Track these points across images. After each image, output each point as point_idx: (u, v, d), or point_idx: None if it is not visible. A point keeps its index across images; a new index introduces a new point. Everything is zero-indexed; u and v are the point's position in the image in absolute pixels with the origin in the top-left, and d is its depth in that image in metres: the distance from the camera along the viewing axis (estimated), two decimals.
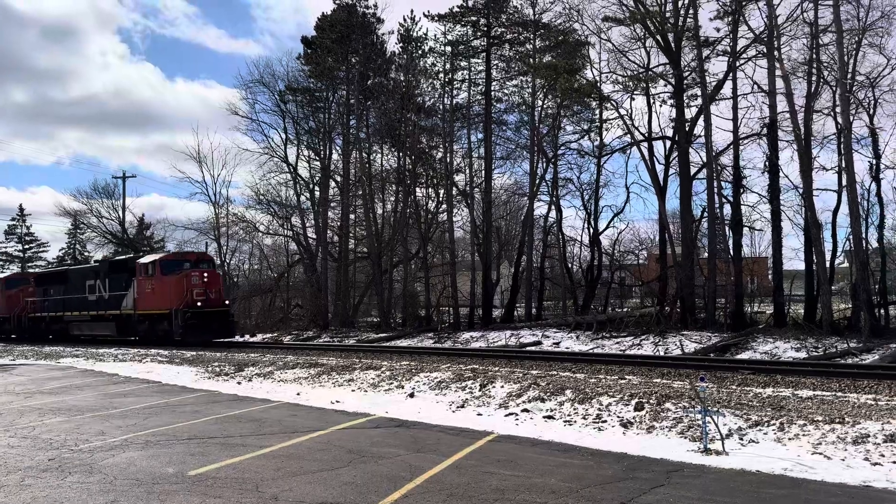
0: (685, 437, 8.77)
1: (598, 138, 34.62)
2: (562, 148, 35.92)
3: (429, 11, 38.20)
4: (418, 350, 22.62)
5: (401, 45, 41.34)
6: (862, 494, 6.37)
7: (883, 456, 7.51)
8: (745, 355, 19.70)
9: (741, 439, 8.49)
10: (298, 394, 14.09)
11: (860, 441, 7.95)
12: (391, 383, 14.15)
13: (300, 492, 6.82)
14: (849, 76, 24.81)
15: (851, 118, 24.26)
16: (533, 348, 23.87)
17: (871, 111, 25.60)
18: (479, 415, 11.10)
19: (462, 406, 11.77)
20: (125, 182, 53.38)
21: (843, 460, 7.54)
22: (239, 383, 16.16)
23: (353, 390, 14.11)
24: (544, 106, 35.95)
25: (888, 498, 6.25)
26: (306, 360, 18.34)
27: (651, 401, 10.23)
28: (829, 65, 25.85)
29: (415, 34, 40.69)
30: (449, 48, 38.43)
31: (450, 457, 8.14)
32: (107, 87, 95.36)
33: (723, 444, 8.16)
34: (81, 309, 33.30)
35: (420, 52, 40.59)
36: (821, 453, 7.80)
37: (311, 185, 42.52)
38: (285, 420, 11.05)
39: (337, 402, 12.84)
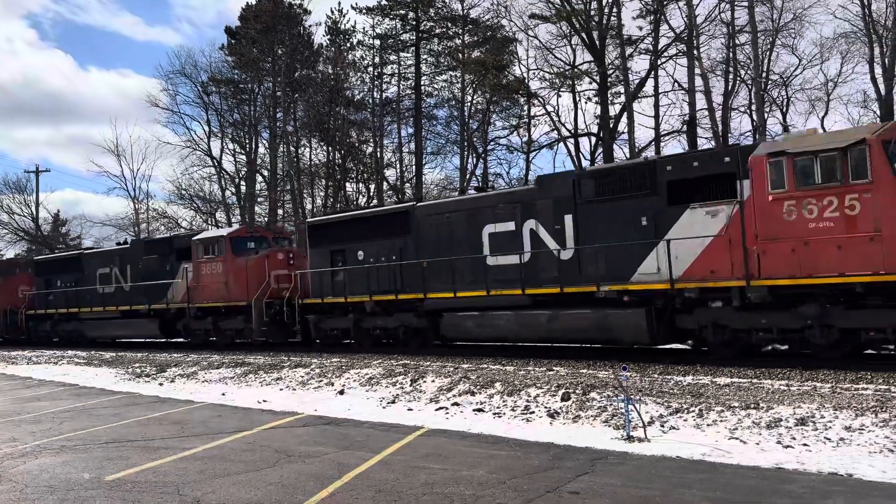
0: (609, 426, 8.96)
1: (527, 134, 35.13)
2: (491, 143, 36.29)
3: (357, 4, 37.99)
4: (349, 346, 22.38)
5: (328, 37, 40.92)
6: (774, 476, 6.65)
7: (794, 439, 7.85)
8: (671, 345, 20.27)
9: (662, 426, 8.74)
10: (224, 394, 13.76)
11: (773, 425, 8.29)
12: (321, 381, 13.96)
13: (224, 494, 6.65)
14: (763, 75, 25.90)
15: (766, 115, 25.33)
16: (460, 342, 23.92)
17: (784, 109, 26.85)
18: (410, 410, 11.08)
19: (393, 402, 11.72)
20: (38, 177, 50.99)
21: (758, 444, 7.85)
22: (161, 384, 15.66)
23: (281, 389, 13.86)
24: (474, 101, 36.19)
25: (798, 479, 6.54)
26: (232, 359, 17.92)
27: (577, 391, 10.42)
28: (745, 64, 26.94)
29: (343, 27, 40.30)
30: (378, 41, 38.25)
31: (379, 453, 8.09)
32: (14, 75, 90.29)
33: (645, 431, 8.38)
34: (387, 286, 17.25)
35: (348, 44, 40.22)
36: (737, 438, 8.10)
37: (236, 180, 41.62)
38: (209, 421, 10.76)
39: (264, 401, 12.60)
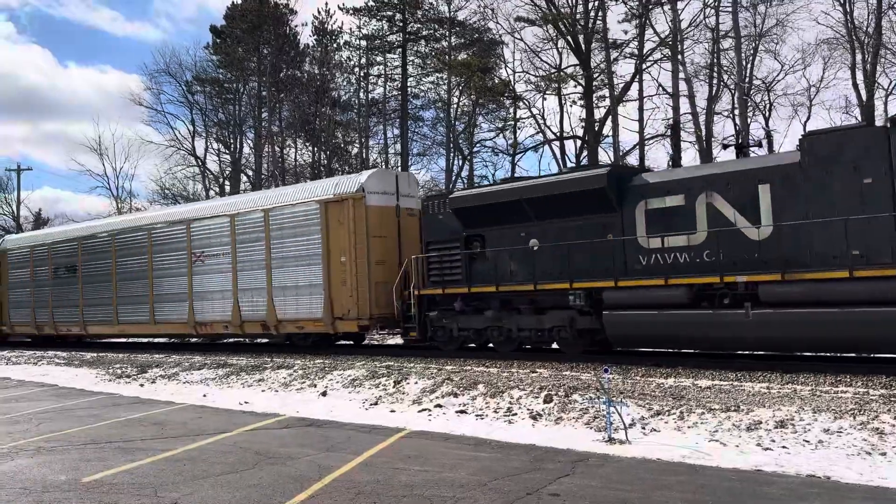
0: (591, 428, 8.98)
1: (513, 136, 35.19)
2: (477, 145, 36.36)
3: (344, 4, 37.93)
4: (334, 347, 22.30)
5: (315, 37, 40.79)
6: (753, 478, 6.69)
7: (773, 441, 7.91)
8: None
9: (643, 428, 8.77)
10: (205, 395, 13.65)
11: (753, 428, 8.34)
12: (303, 382, 13.90)
13: (202, 496, 6.59)
14: (746, 80, 26.11)
15: (749, 120, 25.55)
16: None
17: (767, 114, 27.07)
18: (393, 411, 11.04)
19: (375, 403, 11.68)
20: (20, 175, 50.50)
21: (738, 446, 7.89)
22: (142, 385, 15.52)
23: (263, 390, 13.78)
24: (460, 103, 36.22)
25: (777, 481, 6.58)
26: (214, 360, 17.79)
27: (560, 393, 10.43)
28: (728, 69, 27.16)
29: (329, 27, 40.20)
30: (364, 42, 38.17)
31: (360, 455, 8.05)
32: None
33: (626, 433, 8.40)
34: None
35: (335, 45, 40.12)
36: (717, 440, 8.15)
37: (220, 180, 41.40)
38: (190, 422, 10.67)
39: (246, 402, 12.51)
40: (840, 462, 7.08)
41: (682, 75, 26.87)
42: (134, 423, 10.78)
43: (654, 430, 8.71)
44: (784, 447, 7.69)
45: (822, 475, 6.68)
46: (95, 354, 22.00)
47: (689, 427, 8.64)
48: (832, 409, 8.51)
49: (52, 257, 25.33)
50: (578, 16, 29.72)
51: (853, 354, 12.23)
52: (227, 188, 40.77)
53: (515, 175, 22.27)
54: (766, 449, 7.69)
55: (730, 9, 25.77)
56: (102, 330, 24.17)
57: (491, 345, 15.58)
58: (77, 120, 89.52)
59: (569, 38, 29.53)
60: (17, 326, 27.28)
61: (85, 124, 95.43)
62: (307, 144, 40.10)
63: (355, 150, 39.57)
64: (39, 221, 56.80)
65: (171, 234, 21.19)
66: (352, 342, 20.05)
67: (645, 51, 29.31)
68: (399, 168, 37.26)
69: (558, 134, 31.90)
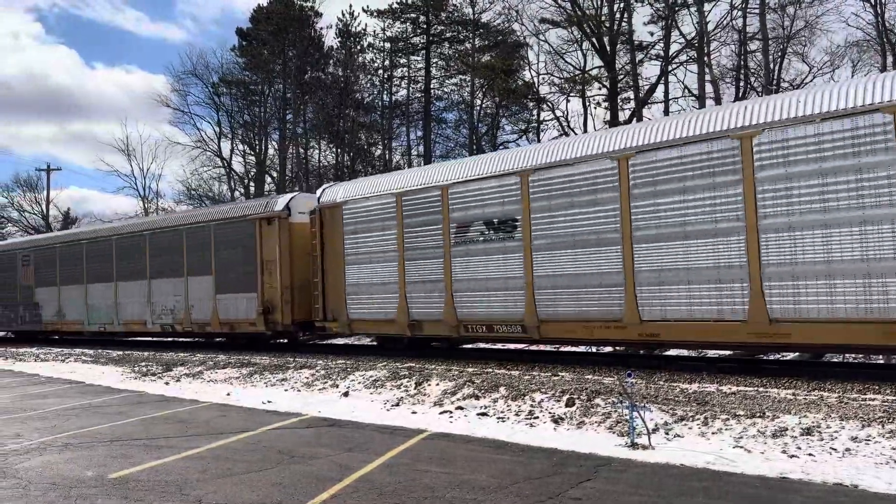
0: (613, 433, 8.92)
1: (536, 138, 35.10)
2: (500, 147, 36.25)
3: (368, 6, 38.20)
4: (355, 348, 22.43)
5: (339, 39, 41.05)
6: (778, 486, 6.60)
7: (799, 448, 7.80)
8: (673, 352, 20.22)
9: (667, 434, 8.70)
10: (229, 394, 13.78)
11: (779, 434, 8.23)
12: (325, 382, 13.97)
13: (226, 493, 6.65)
14: (774, 83, 25.81)
15: None
16: (468, 346, 23.96)
17: None
18: (414, 413, 11.06)
19: (396, 404, 11.71)
20: (49, 175, 51.41)
21: (763, 453, 7.80)
22: (167, 383, 15.70)
23: (286, 390, 13.88)
24: (483, 105, 36.23)
25: (802, 489, 6.49)
26: (238, 359, 17.95)
27: (582, 396, 10.38)
28: (755, 71, 26.87)
29: (353, 29, 40.42)
30: (388, 44, 38.35)
31: (381, 456, 8.08)
32: (20, 70, 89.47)
33: (649, 438, 8.34)
34: None
35: (359, 47, 40.35)
36: (742, 447, 8.05)
37: (245, 181, 41.80)
38: (214, 421, 10.78)
39: (269, 402, 12.61)
40: (868, 471, 6.96)
41: (708, 77, 26.65)
42: (159, 421, 10.91)
43: (678, 435, 8.63)
44: (810, 454, 7.59)
45: (850, 483, 6.58)
46: (121, 352, 22.32)
47: (713, 433, 8.55)
48: (860, 417, 8.37)
49: (427, 210, 15.38)
50: (604, 17, 29.61)
51: (881, 361, 12.03)
52: (252, 189, 41.16)
53: None
54: (792, 456, 7.59)
55: (757, 11, 25.55)
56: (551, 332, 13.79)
57: None
58: (104, 120, 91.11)
59: (594, 39, 29.43)
60: (357, 324, 17.36)
61: (111, 125, 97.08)
62: (331, 146, 40.38)
63: (378, 152, 39.77)
64: (67, 220, 57.77)
65: (687, 161, 11.56)
66: None
67: (671, 52, 29.13)
68: None
69: None
